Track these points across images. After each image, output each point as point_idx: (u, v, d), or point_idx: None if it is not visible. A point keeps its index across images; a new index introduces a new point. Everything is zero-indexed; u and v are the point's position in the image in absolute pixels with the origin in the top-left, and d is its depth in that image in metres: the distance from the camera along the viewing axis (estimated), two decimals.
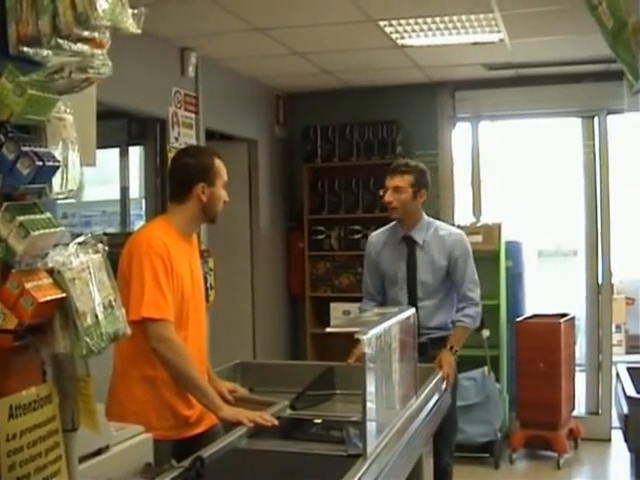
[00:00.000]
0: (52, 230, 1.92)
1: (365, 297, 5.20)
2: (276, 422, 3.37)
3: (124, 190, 8.16)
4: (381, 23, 5.88)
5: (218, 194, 3.68)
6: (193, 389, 3.49)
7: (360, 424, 3.01)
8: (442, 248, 4.99)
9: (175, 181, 3.77)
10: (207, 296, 6.54)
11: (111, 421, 2.69)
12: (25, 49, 1.87)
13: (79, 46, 1.93)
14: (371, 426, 3.01)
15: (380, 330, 3.29)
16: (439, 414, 4.34)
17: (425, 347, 4.41)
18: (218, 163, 3.70)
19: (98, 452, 2.50)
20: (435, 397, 4.27)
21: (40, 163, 1.84)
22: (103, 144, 7.53)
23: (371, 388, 3.04)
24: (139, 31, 2.04)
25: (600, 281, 7.83)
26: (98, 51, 1.99)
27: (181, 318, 3.56)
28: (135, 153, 8.19)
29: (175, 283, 3.53)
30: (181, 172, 3.73)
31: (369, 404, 2.99)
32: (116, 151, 8.13)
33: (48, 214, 1.94)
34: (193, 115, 6.59)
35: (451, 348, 4.86)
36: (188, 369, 3.46)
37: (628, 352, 11.08)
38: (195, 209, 3.66)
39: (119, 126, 7.70)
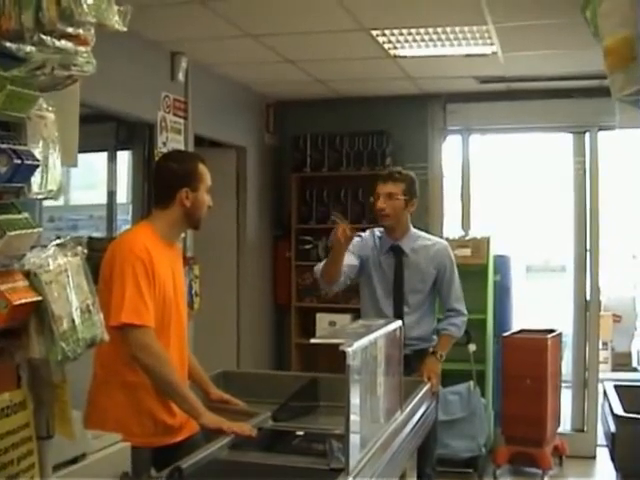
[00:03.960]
0: (29, 231, 1.87)
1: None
2: (254, 434, 3.32)
3: (111, 195, 8.10)
4: (374, 32, 5.85)
5: (202, 199, 3.65)
6: (174, 395, 3.44)
7: (343, 437, 2.95)
8: (430, 257, 5.00)
9: (159, 186, 3.75)
10: (192, 304, 6.51)
11: (91, 428, 2.64)
12: (7, 44, 1.81)
13: (63, 43, 1.89)
14: (354, 439, 2.96)
15: (366, 342, 3.25)
16: (424, 428, 4.30)
17: (408, 360, 4.37)
18: (202, 168, 3.68)
19: (74, 460, 2.44)
20: (420, 411, 4.23)
21: (18, 161, 1.79)
22: (92, 148, 7.49)
23: (355, 400, 3.00)
24: (125, 29, 2.00)
25: (588, 297, 7.80)
26: (82, 48, 1.95)
27: (163, 324, 3.52)
28: (123, 158, 8.14)
29: (157, 289, 3.49)
30: (165, 177, 3.71)
31: (353, 417, 2.94)
32: (104, 155, 8.07)
33: (26, 214, 1.89)
34: (182, 120, 6.55)
35: (435, 353, 4.86)
36: (169, 376, 3.41)
37: (614, 369, 11.08)
38: (179, 214, 3.63)
39: (108, 130, 7.65)
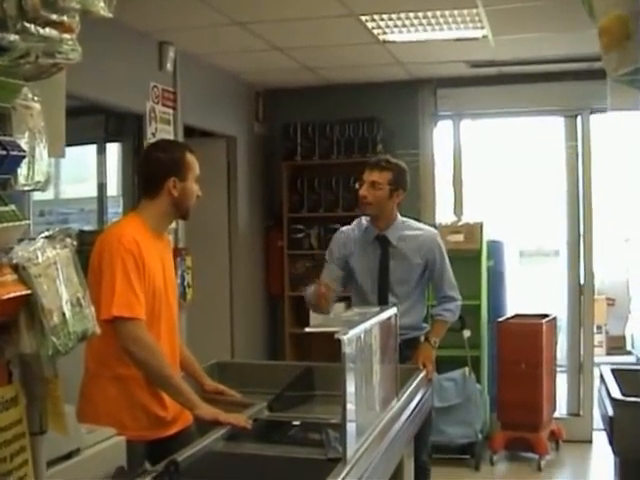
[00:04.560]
0: (17, 223, 1.83)
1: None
2: (249, 426, 3.29)
3: (101, 187, 8.06)
4: (363, 18, 5.82)
5: (190, 189, 3.61)
6: (168, 388, 3.43)
7: (340, 426, 2.94)
8: (417, 247, 4.90)
9: (146, 176, 3.71)
10: (184, 295, 6.48)
11: (84, 422, 2.61)
12: None
13: (47, 30, 1.83)
14: (351, 428, 2.94)
15: (361, 330, 3.22)
16: (421, 416, 4.29)
17: (399, 348, 4.33)
18: (189, 157, 3.63)
19: (68, 456, 2.41)
20: (417, 398, 4.21)
21: (4, 152, 1.75)
22: (81, 140, 7.43)
23: (351, 389, 2.97)
24: (110, 15, 1.95)
25: (582, 282, 7.80)
26: (67, 35, 1.90)
27: (153, 315, 3.50)
28: (113, 150, 8.10)
29: (147, 280, 3.46)
30: (152, 167, 3.67)
31: (349, 406, 2.91)
32: (94, 148, 8.03)
33: (13, 206, 1.85)
34: (171, 111, 6.50)
35: (429, 340, 4.83)
36: (163, 369, 3.39)
37: (609, 353, 11.12)
38: (166, 204, 3.59)
39: (97, 122, 7.60)
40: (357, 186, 4.92)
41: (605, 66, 2.78)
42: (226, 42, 6.45)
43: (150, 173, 3.66)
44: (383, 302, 4.79)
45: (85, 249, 2.89)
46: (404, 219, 5.01)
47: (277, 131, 8.25)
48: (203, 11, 5.52)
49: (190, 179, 3.60)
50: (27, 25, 1.78)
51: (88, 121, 7.04)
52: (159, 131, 6.28)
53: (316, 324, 6.26)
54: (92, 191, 8.16)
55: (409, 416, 3.96)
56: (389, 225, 4.92)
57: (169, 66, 6.39)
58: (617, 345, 11.34)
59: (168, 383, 3.41)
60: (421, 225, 5.12)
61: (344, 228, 5.11)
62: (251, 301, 8.08)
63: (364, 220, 5.01)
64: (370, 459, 3.12)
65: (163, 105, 6.39)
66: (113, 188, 8.14)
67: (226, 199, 7.79)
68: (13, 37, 1.77)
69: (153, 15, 5.64)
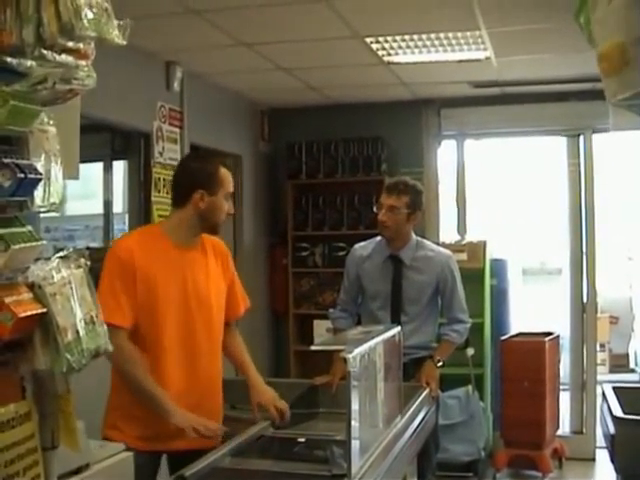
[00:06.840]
0: (33, 244, 1.88)
1: (339, 305, 5.18)
2: (217, 433, 3.33)
3: (107, 204, 8.10)
4: (368, 40, 5.87)
5: (219, 204, 3.59)
6: (143, 395, 3.41)
7: (344, 443, 2.96)
8: (430, 268, 4.93)
9: (177, 185, 3.70)
10: None
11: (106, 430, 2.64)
12: (8, 59, 1.82)
13: (63, 57, 1.89)
14: (355, 445, 2.96)
15: (365, 348, 3.25)
16: (424, 433, 4.30)
17: (405, 368, 4.34)
18: (223, 173, 3.60)
19: (78, 470, 2.44)
20: (420, 416, 4.23)
21: (22, 175, 1.80)
22: (87, 158, 7.45)
23: (356, 406, 3.00)
24: (124, 42, 2.01)
25: (585, 300, 7.81)
26: (83, 62, 1.96)
27: (152, 325, 3.48)
28: (119, 167, 8.14)
29: (143, 289, 3.44)
30: (183, 176, 3.67)
31: (354, 423, 2.94)
32: (100, 165, 8.07)
33: (29, 227, 1.90)
34: (178, 130, 6.56)
35: (432, 358, 4.85)
36: (137, 375, 3.39)
37: (612, 371, 11.07)
38: (192, 216, 3.58)
39: (103, 140, 7.64)
40: (375, 209, 4.95)
41: (605, 90, 2.82)
42: (232, 62, 6.51)
43: (180, 182, 3.66)
44: (395, 321, 4.80)
45: (91, 266, 2.94)
46: (419, 239, 5.05)
47: (282, 150, 8.29)
48: (210, 32, 5.58)
49: (220, 195, 3.58)
50: (44, 52, 1.83)
51: (95, 139, 7.07)
52: (166, 150, 6.33)
53: (321, 342, 6.29)
54: (98, 208, 8.20)
55: (412, 433, 3.97)
56: (404, 246, 4.95)
57: (176, 86, 6.44)
58: (620, 363, 11.31)
59: (142, 390, 3.40)
60: (435, 246, 5.15)
61: (358, 245, 5.15)
62: (256, 318, 8.09)
63: (379, 238, 5.05)
64: (374, 475, 3.14)
65: (170, 124, 6.44)
66: (119, 205, 8.18)
67: (231, 217, 7.79)
68: (30, 63, 1.83)
69: (160, 36, 5.69)
